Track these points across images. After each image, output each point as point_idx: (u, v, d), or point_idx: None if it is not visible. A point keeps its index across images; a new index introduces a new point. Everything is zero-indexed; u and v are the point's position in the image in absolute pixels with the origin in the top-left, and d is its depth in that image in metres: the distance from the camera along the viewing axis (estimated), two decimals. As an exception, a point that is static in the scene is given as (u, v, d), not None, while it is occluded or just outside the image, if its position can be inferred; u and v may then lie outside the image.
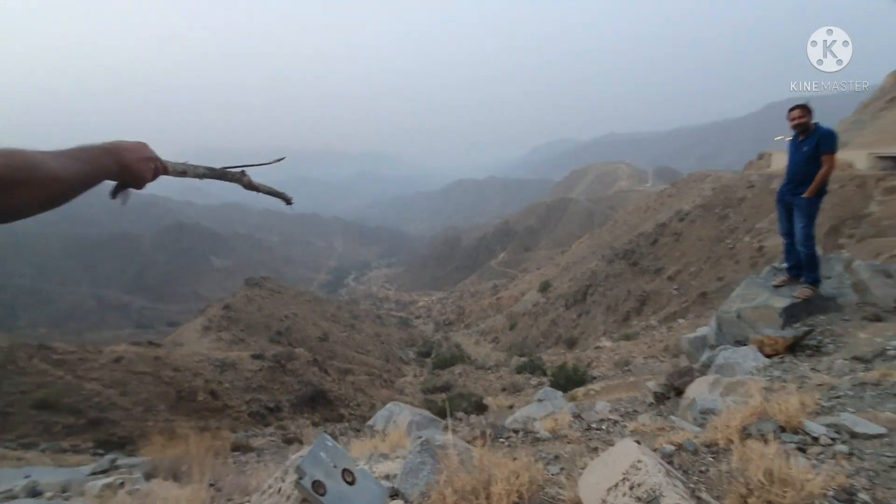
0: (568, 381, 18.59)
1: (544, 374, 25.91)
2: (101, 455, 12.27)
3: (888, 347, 3.37)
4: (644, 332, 27.48)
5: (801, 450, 2.14)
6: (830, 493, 1.73)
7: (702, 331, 6.10)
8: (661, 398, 4.59)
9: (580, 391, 15.09)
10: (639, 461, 1.65)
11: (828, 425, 2.29)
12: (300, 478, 1.36)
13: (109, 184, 0.89)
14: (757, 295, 5.04)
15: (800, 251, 4.76)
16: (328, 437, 1.59)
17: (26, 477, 5.53)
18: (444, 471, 1.85)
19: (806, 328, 4.25)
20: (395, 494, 1.98)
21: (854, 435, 2.19)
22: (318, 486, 1.38)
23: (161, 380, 20.58)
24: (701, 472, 2.13)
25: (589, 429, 3.19)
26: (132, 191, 0.93)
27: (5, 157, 0.66)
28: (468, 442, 2.61)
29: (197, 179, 1.14)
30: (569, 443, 2.80)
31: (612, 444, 2.70)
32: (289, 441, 15.30)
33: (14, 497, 4.51)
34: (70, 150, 0.78)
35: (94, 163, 0.80)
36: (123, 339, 30.78)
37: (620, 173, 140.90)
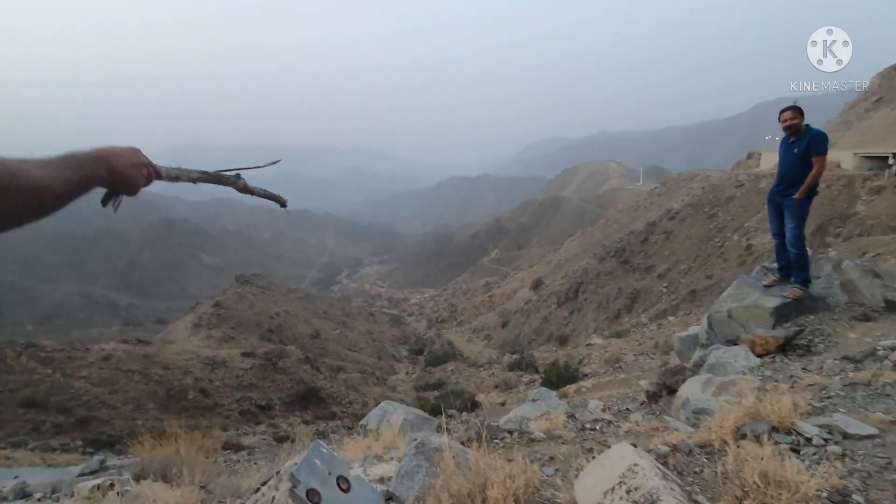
0: (559, 378, 18.70)
1: (536, 371, 26.05)
2: (91, 454, 12.14)
3: (878, 347, 3.42)
4: (634, 330, 27.71)
5: (795, 451, 2.15)
6: (824, 494, 1.75)
7: (693, 329, 6.15)
8: (653, 397, 4.62)
9: (571, 388, 15.20)
10: (635, 464, 1.64)
11: (820, 426, 2.31)
12: (294, 486, 1.34)
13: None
14: (748, 294, 5.09)
15: (790, 251, 4.81)
16: (323, 443, 1.57)
17: (15, 478, 5.44)
18: (439, 474, 1.83)
19: (796, 328, 4.29)
20: (389, 498, 1.96)
21: (846, 436, 2.21)
22: (312, 494, 1.36)
23: (150, 378, 20.37)
24: (695, 473, 2.13)
25: (583, 429, 3.19)
26: (124, 197, 0.90)
27: None
28: (463, 443, 2.60)
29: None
30: (563, 443, 2.80)
31: (606, 445, 2.70)
32: (280, 439, 15.22)
33: (3, 499, 4.44)
34: (57, 158, 0.74)
35: (82, 170, 0.77)
36: (112, 337, 30.42)
37: (611, 172, 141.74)
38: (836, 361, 3.44)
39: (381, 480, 2.23)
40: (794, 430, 2.31)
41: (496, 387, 25.33)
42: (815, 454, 2.10)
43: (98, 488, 4.26)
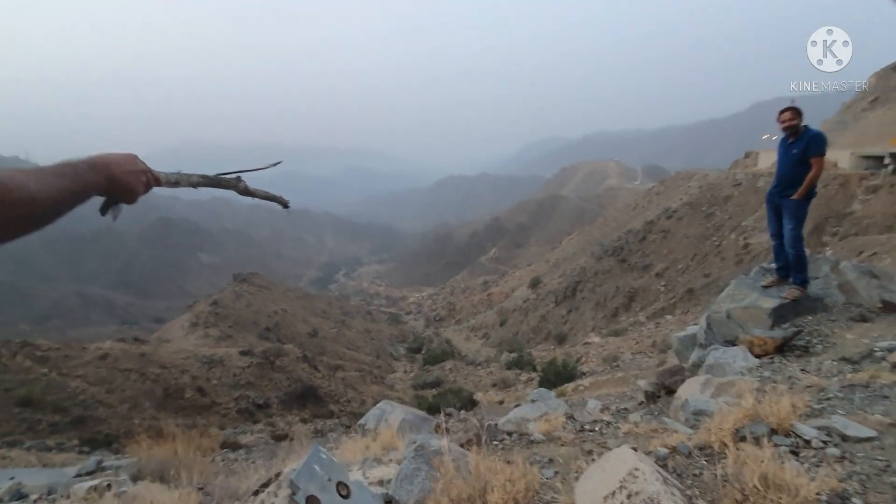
0: (557, 376, 18.74)
1: (534, 369, 26.09)
2: (87, 453, 12.10)
3: (875, 349, 3.43)
4: (632, 328, 27.79)
5: (794, 453, 2.15)
6: (824, 498, 1.75)
7: (691, 329, 6.16)
8: (651, 397, 4.62)
9: (569, 387, 15.24)
10: (636, 469, 1.64)
11: (819, 428, 2.31)
12: (294, 493, 1.33)
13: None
14: (746, 295, 5.09)
15: (788, 252, 4.82)
16: (322, 449, 1.56)
17: (11, 479, 5.41)
18: (439, 478, 1.83)
19: (794, 329, 4.30)
20: (389, 501, 1.96)
21: (845, 438, 2.21)
22: (312, 501, 1.35)
23: (147, 377, 20.31)
24: (695, 475, 2.13)
25: (582, 430, 3.19)
26: (122, 206, 0.89)
27: None
28: (462, 445, 2.59)
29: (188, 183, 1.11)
30: (563, 445, 2.80)
31: (605, 447, 2.70)
32: (278, 438, 15.21)
33: (-1, 500, 4.41)
34: (53, 167, 0.72)
35: (78, 179, 0.75)
36: (108, 336, 30.28)
37: (610, 171, 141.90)
38: (834, 363, 3.45)
39: (381, 483, 2.23)
40: (794, 433, 2.31)
41: (494, 385, 25.38)
42: (814, 457, 2.10)
43: (95, 489, 4.25)
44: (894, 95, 32.15)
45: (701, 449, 2.35)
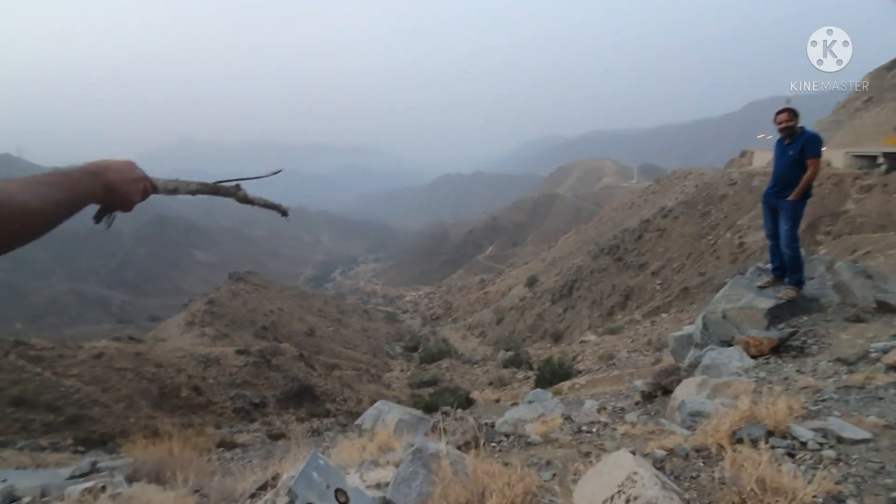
0: (554, 374, 18.81)
1: (531, 368, 26.17)
2: (82, 453, 12.03)
3: (870, 349, 3.44)
4: (628, 327, 27.89)
5: (791, 455, 2.16)
6: (820, 500, 1.75)
7: (687, 329, 6.17)
8: (648, 397, 4.63)
9: (566, 385, 15.29)
10: (634, 473, 1.64)
11: (815, 430, 2.32)
12: (292, 501, 1.32)
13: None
14: (742, 295, 5.11)
15: (784, 253, 4.84)
16: (320, 454, 1.55)
17: (3, 481, 5.35)
18: (437, 482, 1.82)
19: (790, 329, 4.32)
20: (386, 505, 1.95)
21: (841, 440, 2.22)
22: (310, 508, 1.34)
23: (143, 376, 20.22)
24: (692, 478, 2.14)
25: (579, 431, 3.20)
26: (118, 213, 0.87)
27: None
28: (459, 448, 2.59)
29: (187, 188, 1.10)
30: (560, 447, 2.80)
31: (603, 449, 2.71)
32: (275, 437, 15.18)
33: (-10, 502, 4.36)
34: (47, 176, 0.70)
35: (74, 188, 0.73)
36: (103, 335, 30.12)
37: (606, 170, 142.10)
38: (830, 363, 3.47)
39: (378, 486, 2.22)
40: (790, 434, 2.32)
41: (491, 383, 25.44)
42: (810, 459, 2.11)
43: (89, 491, 4.21)
44: (888, 95, 32.35)
45: (698, 451, 2.35)
